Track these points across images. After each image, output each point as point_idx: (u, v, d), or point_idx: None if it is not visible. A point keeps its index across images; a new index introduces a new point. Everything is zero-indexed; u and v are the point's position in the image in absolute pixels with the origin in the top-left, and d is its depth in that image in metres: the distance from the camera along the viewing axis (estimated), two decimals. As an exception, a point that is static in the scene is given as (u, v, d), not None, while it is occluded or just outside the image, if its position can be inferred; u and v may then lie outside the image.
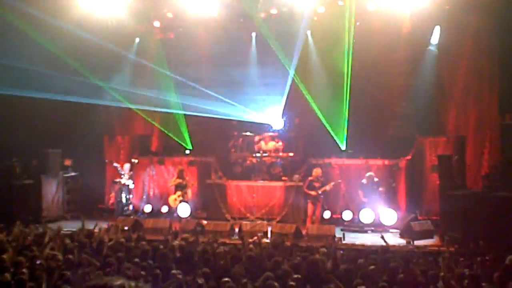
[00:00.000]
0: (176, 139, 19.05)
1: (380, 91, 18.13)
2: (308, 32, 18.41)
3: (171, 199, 16.93)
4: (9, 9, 15.74)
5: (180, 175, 16.99)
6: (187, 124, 19.01)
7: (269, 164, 17.62)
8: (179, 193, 16.74)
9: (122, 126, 20.07)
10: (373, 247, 12.95)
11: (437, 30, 17.33)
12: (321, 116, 17.63)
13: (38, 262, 9.46)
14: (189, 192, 17.02)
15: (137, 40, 19.36)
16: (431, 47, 17.54)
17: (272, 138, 17.97)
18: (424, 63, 17.74)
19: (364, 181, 16.06)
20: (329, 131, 17.56)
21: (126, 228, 14.91)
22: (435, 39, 17.43)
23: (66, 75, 17.49)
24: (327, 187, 16.01)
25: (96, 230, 13.00)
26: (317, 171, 16.18)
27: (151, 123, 19.79)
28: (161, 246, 11.04)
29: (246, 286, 8.41)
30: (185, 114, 18.83)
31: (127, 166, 17.70)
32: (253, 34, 19.01)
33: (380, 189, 15.99)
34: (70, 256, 9.74)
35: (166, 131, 19.33)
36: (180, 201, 16.67)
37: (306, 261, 9.69)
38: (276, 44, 18.35)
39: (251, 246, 11.14)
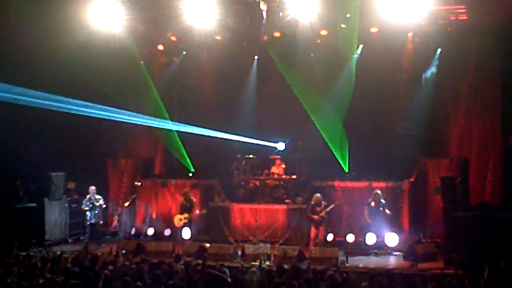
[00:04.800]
0: (180, 160, 19.11)
1: (383, 113, 18.17)
2: (311, 55, 18.50)
3: (176, 218, 16.77)
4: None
5: (185, 197, 16.91)
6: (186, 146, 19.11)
7: (272, 186, 17.62)
8: (185, 215, 16.60)
9: (125, 148, 20.09)
10: (377, 269, 12.89)
11: (438, 52, 17.38)
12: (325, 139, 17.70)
13: (41, 281, 9.46)
14: (194, 214, 16.88)
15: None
16: (432, 69, 17.60)
17: (275, 161, 17.98)
18: (426, 84, 17.77)
19: (372, 203, 15.99)
20: (332, 154, 17.57)
21: (124, 251, 14.85)
22: (436, 61, 17.50)
23: (71, 97, 17.68)
24: (327, 210, 15.96)
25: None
26: (316, 197, 16.15)
27: (154, 145, 19.88)
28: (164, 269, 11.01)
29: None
30: (185, 137, 18.96)
31: (92, 188, 17.57)
32: (255, 57, 19.15)
33: (387, 211, 15.91)
34: (73, 281, 9.72)
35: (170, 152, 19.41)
36: (185, 223, 16.56)
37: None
38: (279, 66, 18.53)
39: (253, 269, 11.07)
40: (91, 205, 17.14)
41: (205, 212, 17.55)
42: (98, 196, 17.24)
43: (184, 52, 19.18)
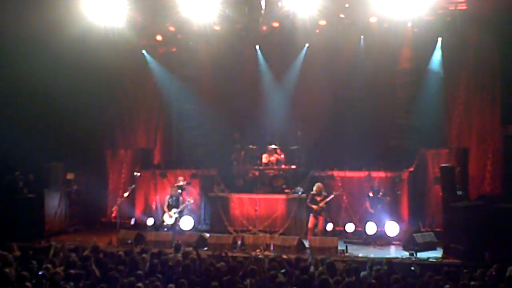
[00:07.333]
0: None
1: (382, 103, 18.14)
2: (309, 44, 18.46)
3: (166, 216, 16.66)
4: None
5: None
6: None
7: (271, 176, 17.60)
8: (174, 210, 16.55)
9: (125, 139, 20.06)
10: (376, 259, 12.91)
11: (439, 42, 17.33)
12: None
13: (40, 273, 9.48)
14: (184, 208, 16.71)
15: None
16: (433, 58, 17.56)
17: (275, 151, 17.95)
18: (426, 74, 17.73)
19: (370, 193, 16.08)
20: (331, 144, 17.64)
21: (129, 242, 14.91)
22: (437, 50, 17.45)
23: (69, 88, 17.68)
24: (326, 200, 15.87)
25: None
26: (318, 186, 16.07)
27: (154, 136, 19.90)
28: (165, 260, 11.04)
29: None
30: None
31: (181, 178, 17.42)
32: (257, 47, 19.07)
33: (386, 198, 15.98)
34: (73, 270, 9.73)
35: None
36: (176, 218, 16.52)
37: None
38: (277, 56, 18.52)
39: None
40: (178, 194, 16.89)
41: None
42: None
43: (191, 43, 19.02)
